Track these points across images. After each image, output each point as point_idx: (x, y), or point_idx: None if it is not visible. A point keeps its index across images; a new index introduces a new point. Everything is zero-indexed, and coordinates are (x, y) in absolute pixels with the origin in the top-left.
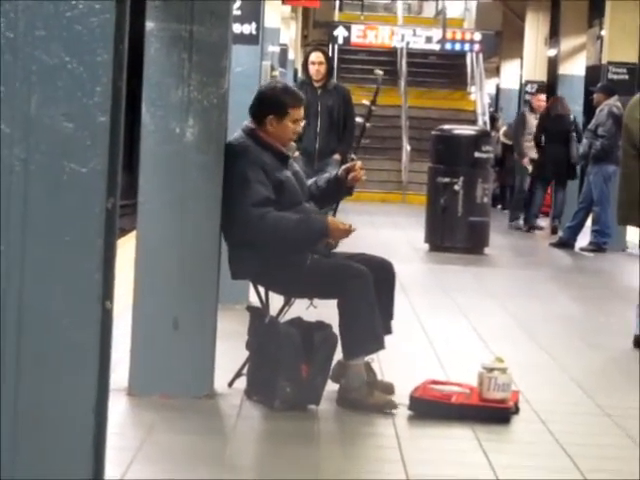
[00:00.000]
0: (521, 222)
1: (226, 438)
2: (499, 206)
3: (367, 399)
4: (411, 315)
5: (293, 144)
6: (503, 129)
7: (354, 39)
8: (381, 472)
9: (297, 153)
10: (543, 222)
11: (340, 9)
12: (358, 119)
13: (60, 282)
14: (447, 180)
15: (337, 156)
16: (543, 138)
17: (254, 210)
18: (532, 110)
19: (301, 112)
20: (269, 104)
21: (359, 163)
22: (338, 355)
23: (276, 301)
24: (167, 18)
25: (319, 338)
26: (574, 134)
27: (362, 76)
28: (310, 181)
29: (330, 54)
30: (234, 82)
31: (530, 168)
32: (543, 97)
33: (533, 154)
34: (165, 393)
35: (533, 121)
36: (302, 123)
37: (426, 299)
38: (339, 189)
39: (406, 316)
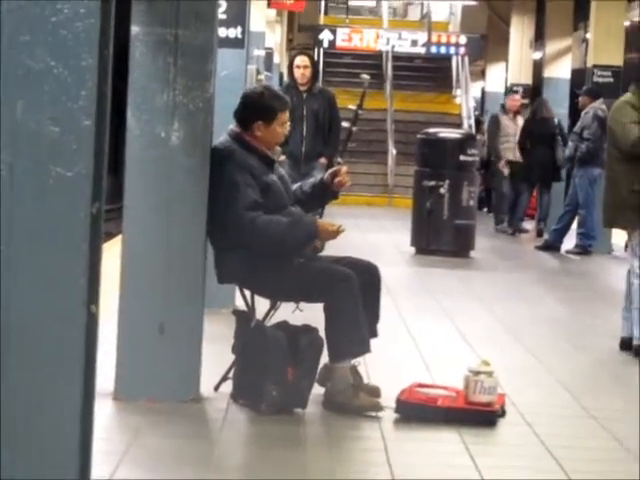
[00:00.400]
0: (506, 225)
1: (212, 442)
2: (485, 209)
3: (353, 402)
4: (397, 318)
5: (278, 148)
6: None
7: (339, 43)
8: (367, 475)
9: (283, 157)
10: (529, 225)
11: (325, 13)
12: (344, 123)
13: (45, 286)
14: (433, 183)
15: (323, 160)
16: (528, 141)
17: (245, 214)
18: (505, 111)
19: (287, 115)
20: (257, 110)
21: (345, 168)
22: (324, 359)
23: (262, 305)
24: (152, 22)
25: (305, 342)
26: (559, 137)
27: (347, 80)
28: (295, 186)
29: (315, 58)
30: (219, 86)
31: (506, 171)
32: (517, 97)
33: (510, 156)
34: (151, 397)
35: (507, 122)
36: (288, 125)
37: (412, 302)
38: (324, 193)
39: (392, 319)
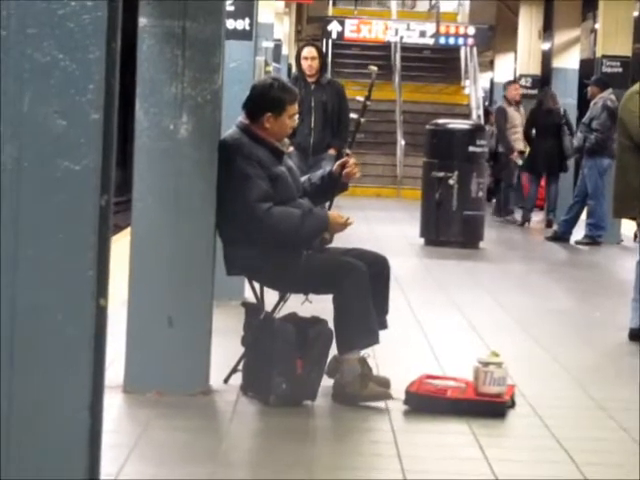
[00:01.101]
0: (515, 216)
1: (221, 434)
2: (494, 200)
3: (361, 391)
4: (406, 310)
5: (286, 140)
6: None
7: (348, 34)
8: (377, 467)
9: (291, 148)
10: (537, 216)
11: (334, 4)
12: (353, 114)
13: (54, 279)
14: (442, 174)
15: (332, 151)
16: (534, 132)
17: (259, 205)
18: (509, 102)
19: (296, 107)
20: (266, 102)
21: (353, 159)
22: (333, 350)
23: (271, 297)
24: (160, 14)
25: (314, 333)
26: (565, 127)
27: (356, 71)
28: (303, 178)
29: (324, 49)
30: (228, 78)
31: (520, 162)
32: (517, 86)
33: (521, 147)
34: (160, 390)
35: (512, 113)
36: (297, 117)
37: (421, 294)
38: (334, 185)
39: (401, 311)
